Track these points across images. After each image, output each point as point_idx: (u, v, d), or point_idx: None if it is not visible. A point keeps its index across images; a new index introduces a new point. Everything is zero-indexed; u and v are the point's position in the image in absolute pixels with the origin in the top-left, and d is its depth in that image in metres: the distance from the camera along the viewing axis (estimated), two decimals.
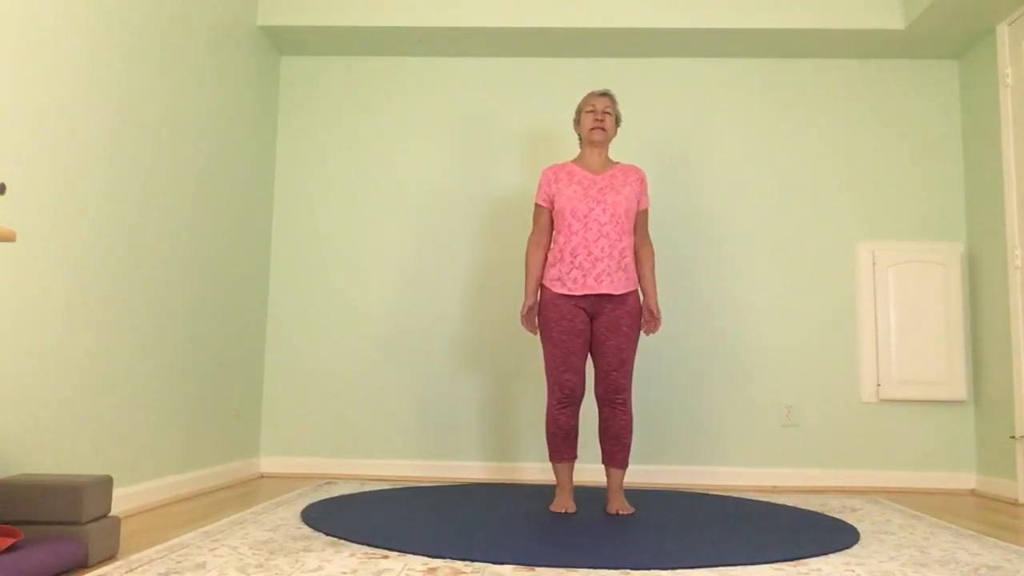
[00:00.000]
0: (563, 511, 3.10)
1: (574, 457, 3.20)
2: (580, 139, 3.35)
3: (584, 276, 3.14)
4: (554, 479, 4.15)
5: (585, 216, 3.16)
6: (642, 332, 3.29)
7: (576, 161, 3.32)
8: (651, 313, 3.24)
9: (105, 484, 2.17)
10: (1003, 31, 3.93)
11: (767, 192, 4.35)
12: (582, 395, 3.17)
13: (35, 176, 2.42)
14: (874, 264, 4.25)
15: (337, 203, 4.43)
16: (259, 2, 4.18)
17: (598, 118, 3.26)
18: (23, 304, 2.37)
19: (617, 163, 3.32)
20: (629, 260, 3.20)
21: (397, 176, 4.44)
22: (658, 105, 4.42)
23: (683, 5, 4.08)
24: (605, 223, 3.15)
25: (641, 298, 3.28)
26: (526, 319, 3.24)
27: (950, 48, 4.25)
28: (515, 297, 4.31)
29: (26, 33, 2.37)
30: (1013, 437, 3.78)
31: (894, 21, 4.04)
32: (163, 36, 3.20)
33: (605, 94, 3.30)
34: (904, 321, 4.20)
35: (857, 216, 4.32)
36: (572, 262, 3.15)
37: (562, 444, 3.17)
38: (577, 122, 3.35)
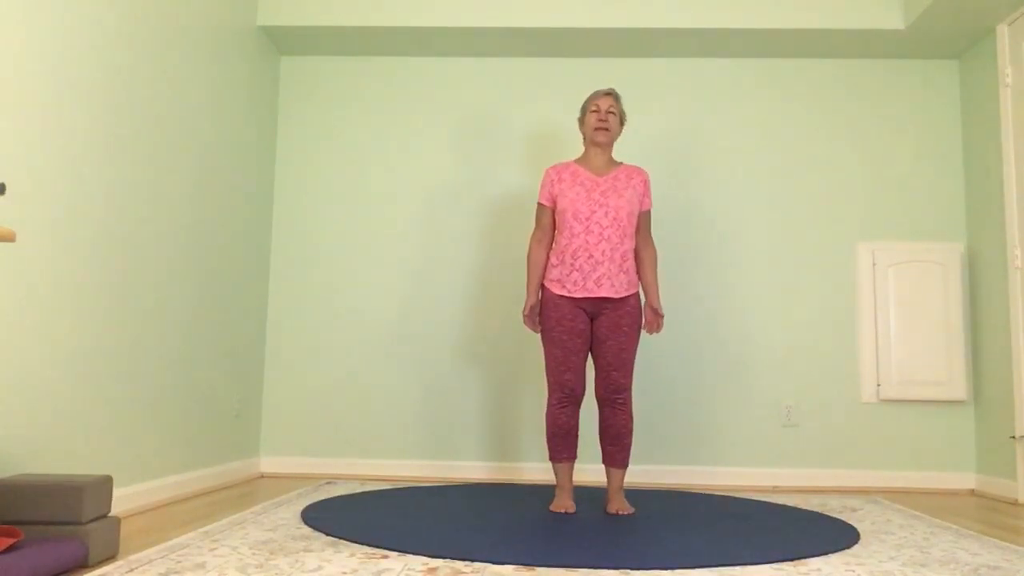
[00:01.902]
0: (563, 511, 3.10)
1: (574, 457, 3.20)
2: (584, 138, 3.33)
3: (584, 279, 3.14)
4: (554, 479, 4.15)
5: (587, 219, 3.15)
6: (645, 332, 3.29)
7: (579, 161, 3.31)
8: (655, 312, 3.24)
9: (105, 484, 2.17)
10: (1003, 31, 3.93)
11: (767, 192, 4.35)
12: (582, 395, 3.18)
13: (35, 176, 2.42)
14: (874, 264, 4.25)
15: (337, 203, 4.43)
16: (259, 2, 4.18)
17: (602, 118, 3.25)
18: (23, 304, 2.37)
19: (620, 164, 3.31)
20: (630, 263, 3.20)
21: (397, 176, 4.44)
22: (658, 105, 4.42)
23: (683, 5, 4.08)
24: (607, 226, 3.15)
25: (643, 299, 3.28)
26: (528, 318, 3.24)
27: (950, 48, 4.25)
28: (515, 297, 4.31)
29: (26, 33, 2.37)
30: (1013, 437, 3.78)
31: (894, 21, 4.04)
32: (163, 36, 3.20)
33: (609, 93, 3.28)
34: (904, 321, 4.20)
35: (857, 216, 4.32)
36: (573, 264, 3.15)
37: (562, 444, 3.17)
38: (581, 121, 3.34)
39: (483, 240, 4.37)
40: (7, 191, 2.28)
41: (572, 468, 3.20)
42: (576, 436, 3.19)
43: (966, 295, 4.21)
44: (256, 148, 4.20)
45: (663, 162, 4.38)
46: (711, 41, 4.23)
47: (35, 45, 2.41)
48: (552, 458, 3.20)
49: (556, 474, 3.20)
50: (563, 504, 3.13)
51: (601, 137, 3.25)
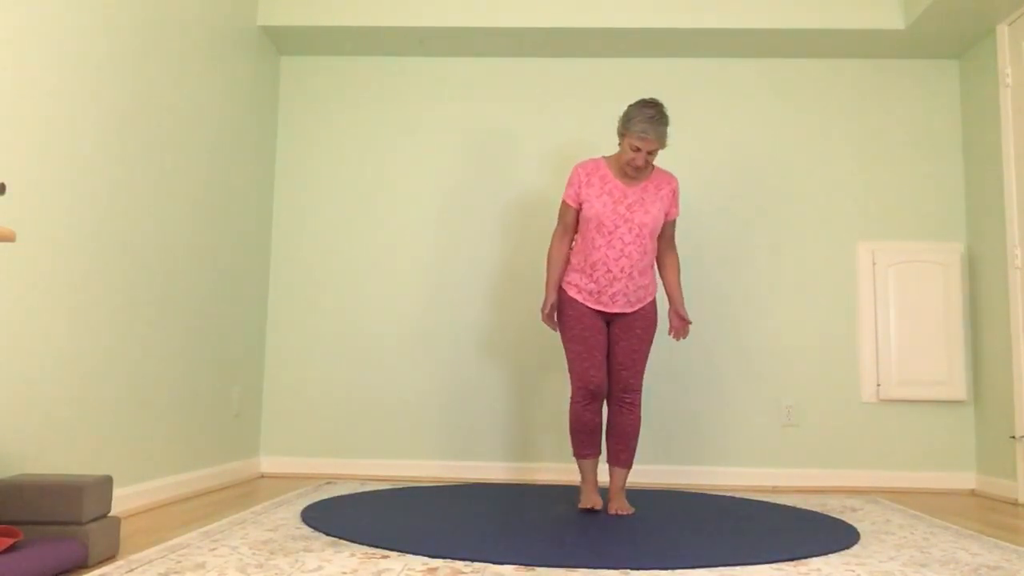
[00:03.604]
0: (590, 507, 3.10)
1: (598, 453, 3.20)
2: (619, 143, 3.13)
3: (600, 293, 3.13)
4: (560, 479, 4.16)
5: (610, 233, 3.10)
6: (672, 337, 3.27)
7: (611, 164, 3.18)
8: (681, 319, 3.23)
9: (105, 484, 2.17)
10: (1003, 31, 3.93)
11: (767, 192, 4.35)
12: (605, 391, 3.16)
13: (35, 176, 2.42)
14: (874, 264, 4.25)
15: (337, 203, 4.43)
16: (259, 2, 4.18)
17: (639, 163, 3.05)
18: (23, 304, 2.37)
19: (652, 169, 3.18)
20: (648, 277, 3.18)
21: (397, 176, 4.44)
22: None
23: (684, 5, 4.08)
24: (629, 243, 3.10)
25: (667, 304, 3.26)
26: (548, 317, 3.22)
27: (950, 48, 4.25)
28: (521, 296, 4.31)
29: (25, 34, 2.37)
30: (1013, 437, 3.78)
31: (894, 21, 4.04)
32: (163, 36, 3.20)
33: (657, 132, 3.00)
34: (904, 321, 4.20)
35: (857, 216, 4.32)
36: (591, 276, 3.13)
37: (587, 440, 3.17)
38: (620, 134, 3.10)
39: (484, 240, 4.36)
40: (7, 191, 2.28)
41: (596, 464, 3.20)
42: (600, 432, 3.18)
43: (966, 295, 4.21)
44: (256, 148, 4.20)
45: (661, 162, 4.37)
46: (711, 41, 4.23)
47: (34, 46, 2.41)
48: (577, 454, 3.20)
49: (581, 470, 3.20)
50: (591, 500, 3.12)
51: (630, 173, 3.12)
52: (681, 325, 3.24)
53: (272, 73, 4.42)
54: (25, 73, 2.37)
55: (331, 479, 4.11)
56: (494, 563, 2.19)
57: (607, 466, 3.31)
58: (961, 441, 4.15)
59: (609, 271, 3.10)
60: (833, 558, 2.36)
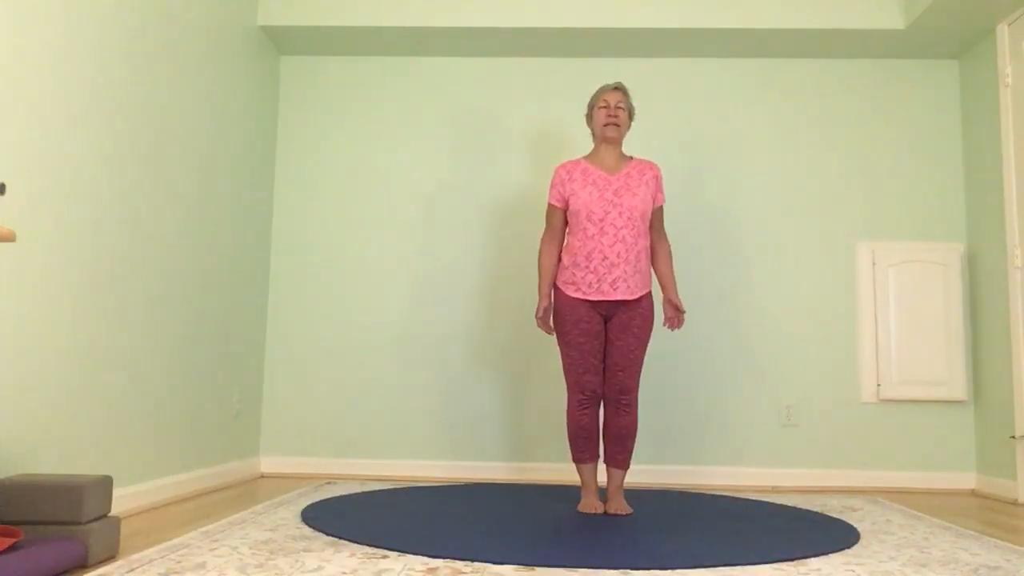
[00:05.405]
0: (592, 511, 3.09)
1: (597, 457, 3.20)
2: (593, 135, 3.28)
3: (599, 281, 3.11)
4: (559, 479, 4.16)
5: (601, 220, 3.11)
6: (667, 328, 3.27)
7: (590, 159, 3.25)
8: (675, 308, 3.22)
9: (105, 484, 2.17)
10: (1003, 31, 3.93)
11: (767, 192, 4.35)
12: (602, 395, 3.17)
13: (35, 176, 2.42)
14: (874, 264, 4.25)
15: (337, 203, 4.43)
16: (259, 2, 4.18)
17: (611, 114, 3.19)
18: (23, 304, 2.37)
19: (631, 158, 3.26)
20: (644, 262, 3.18)
21: (397, 176, 4.44)
22: (658, 105, 4.42)
23: (684, 5, 4.08)
24: (622, 227, 3.10)
25: (661, 295, 3.25)
26: (542, 320, 3.21)
27: (950, 48, 4.25)
28: (517, 297, 4.31)
29: (26, 33, 2.37)
30: (1013, 437, 3.78)
31: (894, 21, 4.04)
32: (163, 36, 3.20)
33: (618, 88, 3.23)
34: (904, 321, 4.20)
35: (857, 216, 4.32)
36: (587, 267, 3.11)
37: (585, 444, 3.17)
38: (589, 118, 3.28)
39: (484, 239, 4.36)
40: (7, 191, 2.28)
41: (596, 468, 3.21)
42: (598, 435, 3.18)
43: (966, 295, 4.21)
44: (256, 148, 4.20)
45: (662, 162, 4.37)
46: (711, 41, 4.23)
47: (35, 45, 2.41)
48: (576, 459, 3.19)
49: (581, 474, 3.20)
50: (592, 504, 3.12)
51: (611, 132, 3.19)
52: (675, 314, 3.23)
53: (272, 73, 4.42)
54: (24, 73, 2.37)
55: (331, 479, 4.11)
56: (494, 563, 2.19)
57: (605, 467, 3.32)
58: (961, 441, 4.15)
59: (606, 258, 3.09)
60: (833, 558, 2.36)
